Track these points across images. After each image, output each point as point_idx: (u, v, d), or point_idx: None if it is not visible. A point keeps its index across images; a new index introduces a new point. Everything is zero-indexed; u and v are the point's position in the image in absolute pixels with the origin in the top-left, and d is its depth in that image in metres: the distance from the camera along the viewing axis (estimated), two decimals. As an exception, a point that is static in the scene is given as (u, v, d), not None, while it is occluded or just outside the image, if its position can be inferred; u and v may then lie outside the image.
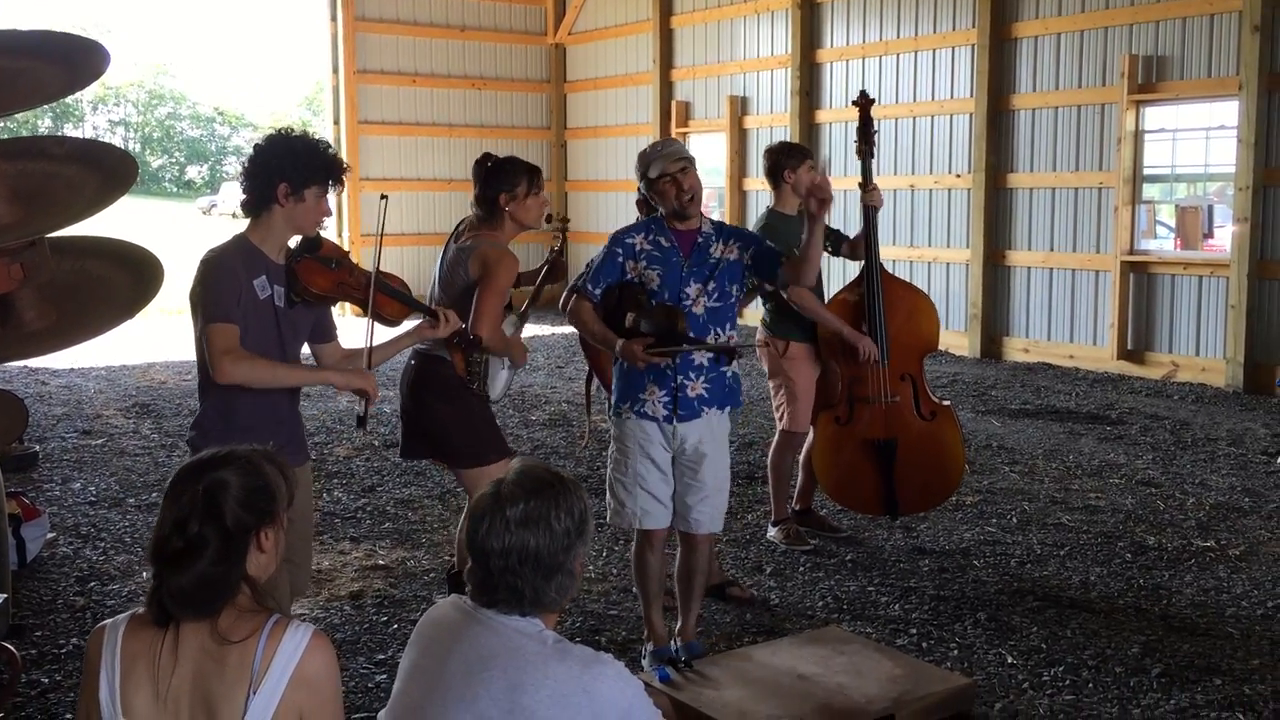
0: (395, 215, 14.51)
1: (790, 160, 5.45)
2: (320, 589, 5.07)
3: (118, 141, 59.27)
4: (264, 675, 2.09)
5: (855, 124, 5.44)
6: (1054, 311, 11.32)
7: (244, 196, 3.50)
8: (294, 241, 3.57)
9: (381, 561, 5.48)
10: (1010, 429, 8.37)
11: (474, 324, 4.05)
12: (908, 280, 6.13)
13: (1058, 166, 11.16)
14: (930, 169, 12.22)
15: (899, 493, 5.36)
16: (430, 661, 2.32)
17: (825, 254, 4.60)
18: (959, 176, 11.92)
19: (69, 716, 3.83)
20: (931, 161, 12.21)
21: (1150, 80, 10.39)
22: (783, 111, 13.62)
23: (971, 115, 11.69)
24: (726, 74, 14.45)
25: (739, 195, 14.28)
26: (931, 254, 12.22)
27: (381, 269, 3.74)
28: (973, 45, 11.64)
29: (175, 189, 64.79)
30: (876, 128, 5.47)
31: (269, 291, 3.46)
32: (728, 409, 4.15)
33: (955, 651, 4.43)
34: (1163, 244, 11.07)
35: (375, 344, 3.70)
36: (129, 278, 3.29)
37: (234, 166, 60.27)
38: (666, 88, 15.21)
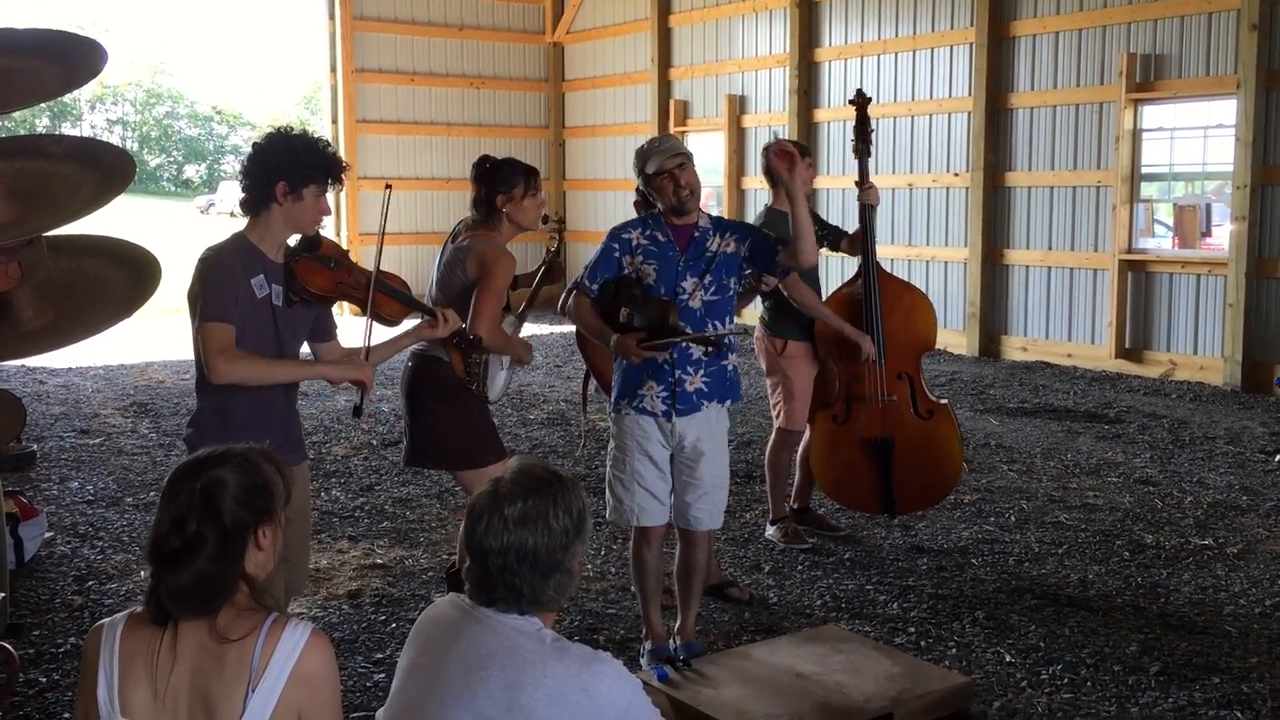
0: (394, 214, 14.43)
1: None
2: (318, 588, 5.07)
3: (115, 140, 59.17)
4: (263, 673, 2.09)
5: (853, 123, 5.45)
6: (1052, 310, 11.32)
7: (242, 195, 3.49)
8: (293, 240, 3.57)
9: (379, 560, 5.48)
10: (1008, 428, 8.37)
11: (473, 324, 4.05)
12: (905, 279, 6.13)
13: (1056, 165, 11.17)
14: (929, 168, 12.22)
15: (897, 491, 5.37)
16: (428, 660, 2.32)
17: (824, 250, 4.60)
18: (957, 175, 11.92)
19: (67, 716, 3.82)
20: (930, 160, 12.21)
21: (1148, 79, 10.39)
22: (781, 110, 13.62)
23: (970, 114, 11.70)
24: (725, 73, 14.45)
25: (737, 194, 14.29)
26: (930, 253, 12.22)
27: (381, 268, 3.73)
28: (971, 44, 11.64)
29: (173, 188, 64.72)
30: (874, 127, 5.48)
31: (267, 290, 3.45)
32: (728, 403, 4.14)
33: (953, 650, 4.43)
34: (1161, 243, 11.09)
35: (374, 343, 3.70)
36: (127, 276, 3.30)
37: (232, 165, 60.25)
38: (665, 87, 15.21)
